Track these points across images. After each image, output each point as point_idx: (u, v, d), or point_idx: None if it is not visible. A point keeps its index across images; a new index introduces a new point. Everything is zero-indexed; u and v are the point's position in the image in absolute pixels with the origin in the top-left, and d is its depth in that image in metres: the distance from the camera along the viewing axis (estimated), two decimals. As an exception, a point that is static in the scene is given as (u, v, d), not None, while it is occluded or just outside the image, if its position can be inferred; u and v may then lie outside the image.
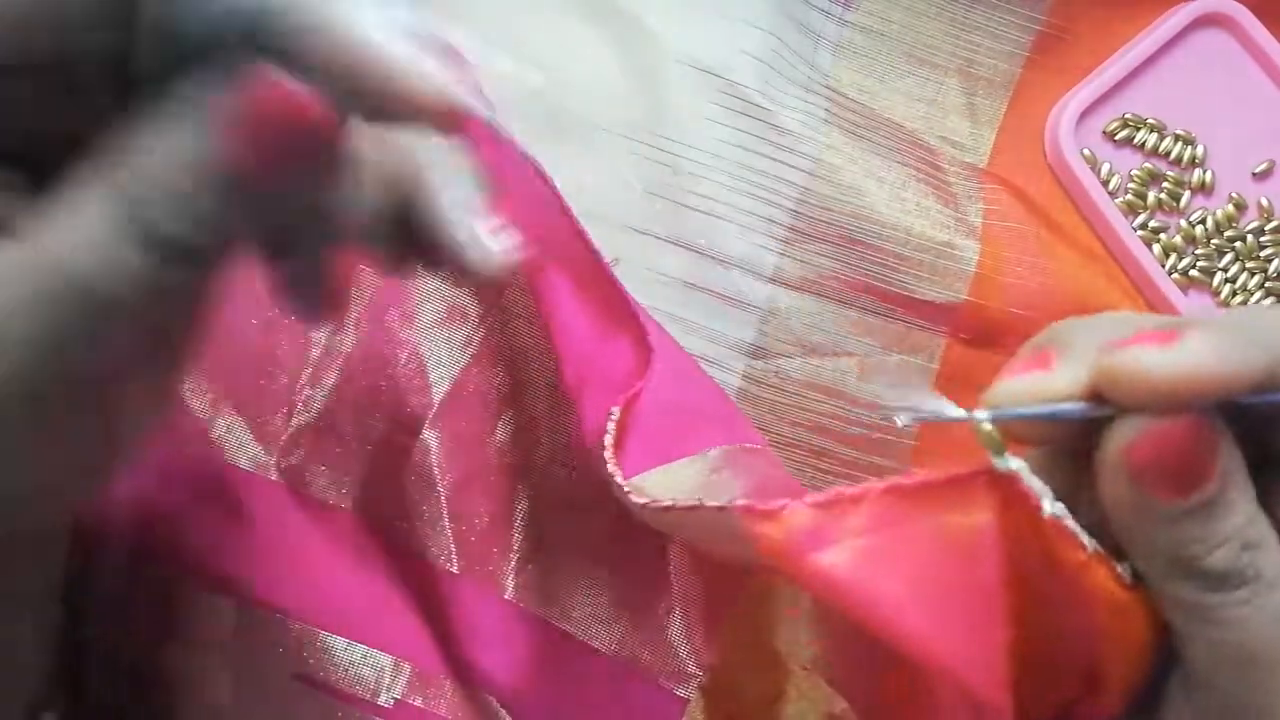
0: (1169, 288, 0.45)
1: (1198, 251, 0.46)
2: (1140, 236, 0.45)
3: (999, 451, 0.25)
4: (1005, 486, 0.25)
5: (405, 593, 0.40)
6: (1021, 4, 0.46)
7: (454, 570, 0.39)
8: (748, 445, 0.37)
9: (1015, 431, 0.27)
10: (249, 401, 0.40)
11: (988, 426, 0.26)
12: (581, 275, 0.36)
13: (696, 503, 0.27)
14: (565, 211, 0.36)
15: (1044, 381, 0.26)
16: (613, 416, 0.32)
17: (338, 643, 0.39)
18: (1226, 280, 0.46)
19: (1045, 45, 0.46)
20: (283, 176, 0.23)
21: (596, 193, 0.42)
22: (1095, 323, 0.27)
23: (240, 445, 0.39)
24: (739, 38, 0.43)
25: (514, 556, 0.40)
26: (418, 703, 0.39)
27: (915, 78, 0.46)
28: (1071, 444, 0.27)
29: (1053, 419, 0.26)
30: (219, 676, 0.38)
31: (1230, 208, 0.46)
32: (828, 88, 0.44)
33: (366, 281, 0.40)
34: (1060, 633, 0.28)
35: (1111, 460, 0.25)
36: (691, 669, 0.40)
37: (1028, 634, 0.27)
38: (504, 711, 0.39)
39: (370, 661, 0.39)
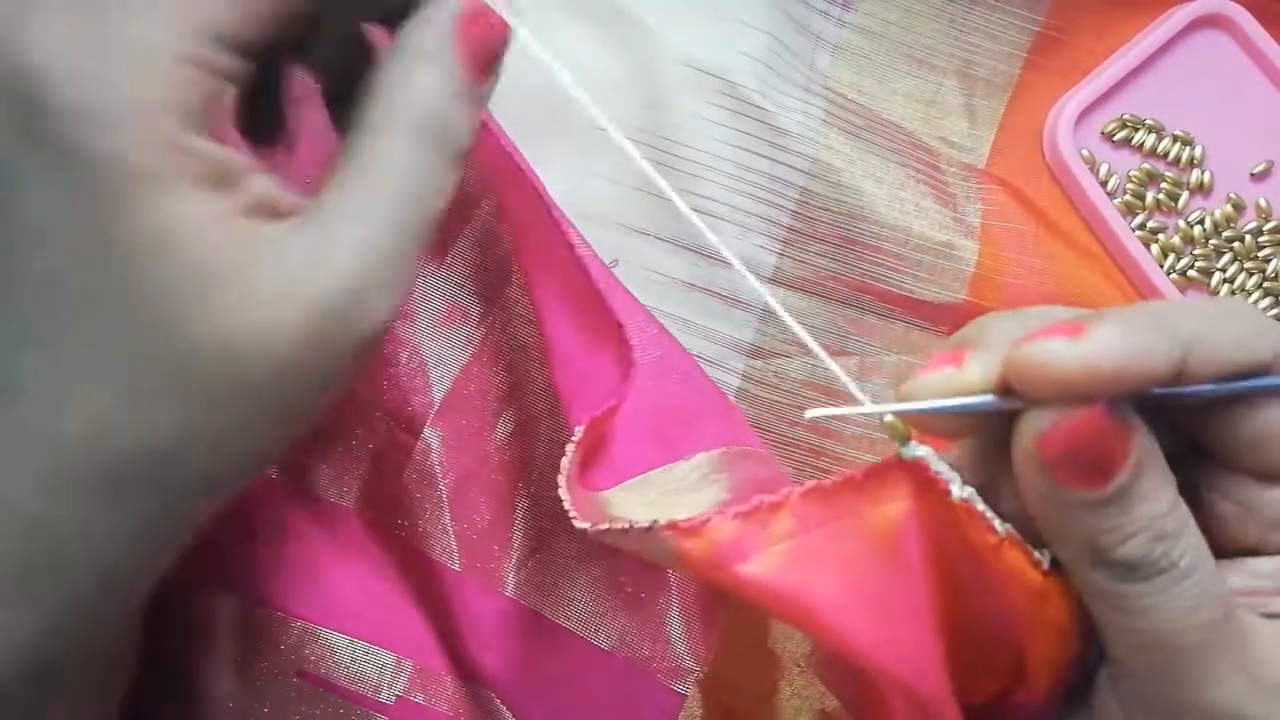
0: (1167, 288, 0.45)
1: (1196, 252, 0.46)
2: (1139, 237, 0.45)
3: (903, 441, 0.26)
4: (917, 474, 0.26)
5: (406, 590, 0.40)
6: (1020, 5, 0.46)
7: (455, 568, 0.40)
8: (745, 448, 0.37)
9: (930, 426, 0.27)
10: None
11: (889, 418, 0.26)
12: (569, 283, 0.37)
13: (627, 526, 0.28)
14: (553, 215, 0.36)
15: (955, 376, 0.26)
16: (574, 438, 0.32)
17: (339, 640, 0.39)
18: (1224, 280, 0.46)
19: (1044, 46, 0.46)
20: (494, 66, 0.29)
21: (597, 193, 0.42)
22: (1013, 316, 0.27)
23: None
24: (738, 39, 0.43)
25: (514, 554, 0.41)
26: (419, 699, 0.39)
27: (914, 79, 0.46)
28: (992, 437, 0.27)
29: (960, 412, 0.26)
30: (220, 673, 0.39)
31: (1228, 208, 0.46)
32: (827, 89, 0.45)
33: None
34: (984, 617, 0.28)
35: (1023, 451, 0.25)
36: (689, 665, 0.41)
37: (955, 620, 0.27)
38: (505, 708, 0.40)
39: (372, 659, 0.39)
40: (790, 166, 0.43)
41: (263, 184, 0.26)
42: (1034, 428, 0.25)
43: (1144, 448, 0.25)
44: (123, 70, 0.24)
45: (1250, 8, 0.46)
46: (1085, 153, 0.46)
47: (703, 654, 0.41)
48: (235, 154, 0.25)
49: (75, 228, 0.24)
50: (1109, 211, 0.45)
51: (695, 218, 0.30)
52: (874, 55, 0.46)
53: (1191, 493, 0.27)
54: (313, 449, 0.40)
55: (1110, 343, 0.24)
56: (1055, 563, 0.27)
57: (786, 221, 0.43)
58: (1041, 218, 0.45)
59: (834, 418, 0.28)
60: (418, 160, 0.27)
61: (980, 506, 0.26)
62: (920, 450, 0.26)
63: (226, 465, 0.26)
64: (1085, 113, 0.46)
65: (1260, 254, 0.46)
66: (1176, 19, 0.46)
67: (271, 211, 0.26)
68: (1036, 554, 0.27)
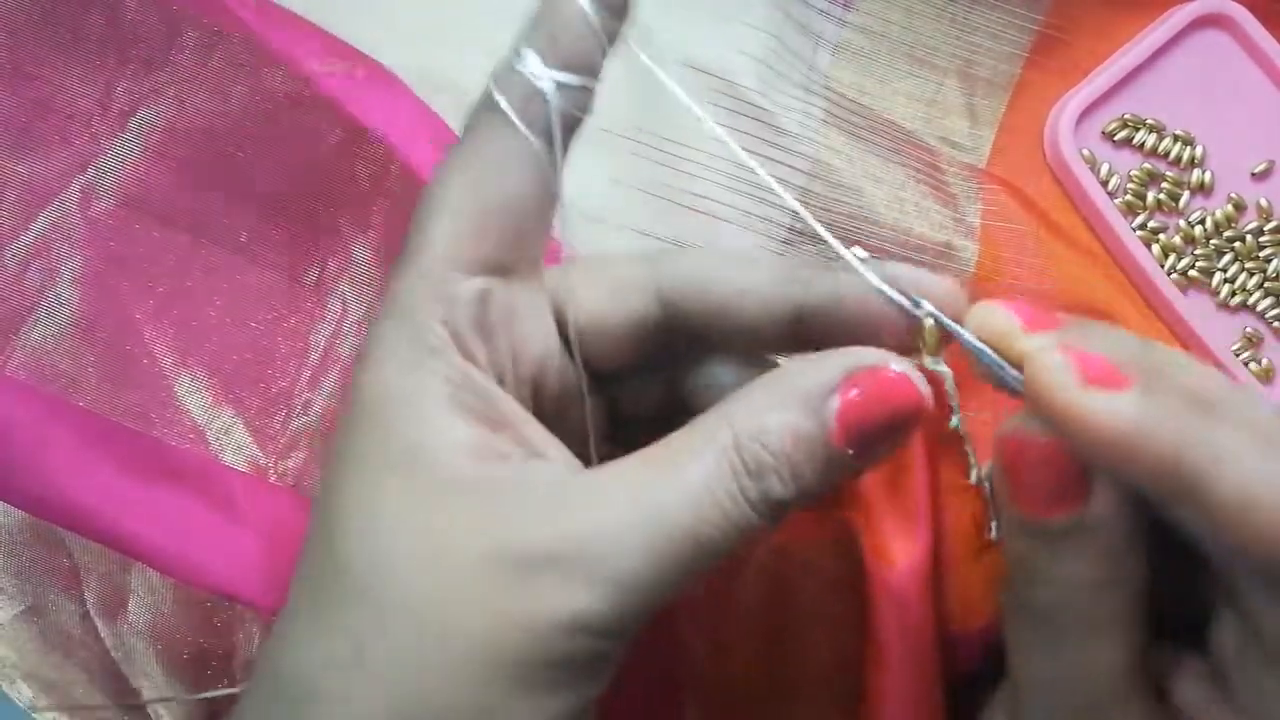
0: (1168, 288, 0.45)
1: (1197, 252, 0.46)
2: (1139, 236, 0.45)
3: (934, 353, 0.26)
4: (932, 386, 0.26)
5: None
6: (1021, 5, 0.46)
7: None
8: None
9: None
10: (248, 402, 0.40)
11: (930, 323, 0.26)
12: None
13: None
14: None
15: (1010, 332, 0.25)
16: None
17: None
18: (1225, 280, 0.46)
19: (1044, 46, 0.46)
20: (876, 453, 0.25)
21: (597, 193, 0.42)
22: (1121, 336, 0.25)
23: (239, 447, 0.39)
24: (738, 39, 0.43)
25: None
26: None
27: (914, 78, 0.46)
28: None
29: (979, 362, 0.26)
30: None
31: (1229, 208, 0.46)
32: (827, 88, 0.44)
33: (365, 285, 0.41)
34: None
35: (996, 445, 0.25)
36: (688, 672, 0.41)
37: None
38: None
39: None
40: (790, 167, 0.43)
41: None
42: (1006, 427, 0.25)
43: (1100, 515, 0.24)
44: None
45: (1251, 7, 0.46)
46: (1086, 152, 0.45)
47: (708, 646, 0.41)
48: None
49: None
50: (1110, 211, 0.45)
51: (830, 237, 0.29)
52: (874, 55, 0.45)
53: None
54: (311, 452, 0.40)
55: (1123, 411, 0.22)
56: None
57: (786, 222, 0.43)
58: (1042, 218, 0.45)
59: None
60: (725, 501, 0.24)
61: (966, 447, 0.27)
62: (943, 368, 0.26)
63: None
64: (1086, 112, 0.45)
65: (1261, 254, 0.46)
66: (1177, 19, 0.46)
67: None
68: (992, 525, 0.27)
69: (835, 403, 0.25)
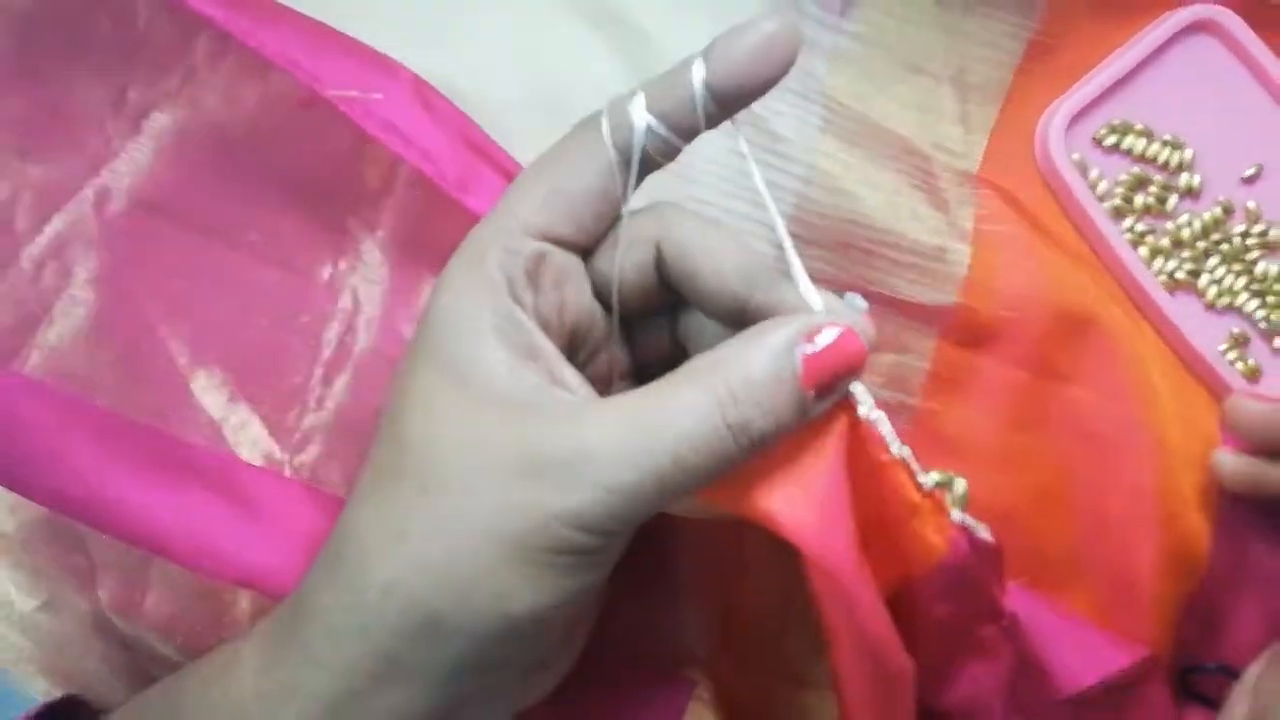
0: (1156, 290, 0.46)
1: (1184, 255, 0.47)
2: (1128, 239, 0.46)
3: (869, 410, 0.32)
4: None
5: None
6: (1013, 13, 0.47)
7: None
8: None
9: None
10: (262, 399, 0.40)
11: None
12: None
13: None
14: None
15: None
16: None
17: None
18: (1212, 282, 0.47)
19: (1037, 53, 0.47)
20: (828, 395, 0.31)
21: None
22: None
23: (254, 442, 0.40)
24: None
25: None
26: None
27: (909, 85, 0.46)
28: None
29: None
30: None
31: (1218, 211, 0.47)
32: (823, 95, 0.45)
33: (376, 283, 0.41)
34: (880, 523, 0.33)
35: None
36: (699, 652, 0.41)
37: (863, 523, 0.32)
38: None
39: None
40: (787, 172, 0.44)
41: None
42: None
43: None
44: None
45: (1240, 13, 0.46)
46: (1076, 157, 0.46)
47: (712, 641, 0.41)
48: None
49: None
50: (1099, 215, 0.46)
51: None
52: (870, 62, 0.46)
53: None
54: (326, 447, 0.41)
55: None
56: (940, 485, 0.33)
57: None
58: (1033, 222, 0.46)
59: None
60: (704, 427, 0.29)
61: (883, 430, 0.32)
62: (876, 413, 0.32)
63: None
64: (1077, 118, 0.46)
65: (1248, 256, 0.47)
66: (1167, 25, 0.46)
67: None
68: (921, 477, 0.33)
69: (800, 352, 0.30)
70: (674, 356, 0.36)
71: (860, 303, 0.33)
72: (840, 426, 0.32)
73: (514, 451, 0.29)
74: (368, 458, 0.32)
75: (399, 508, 0.30)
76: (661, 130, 0.32)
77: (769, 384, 0.30)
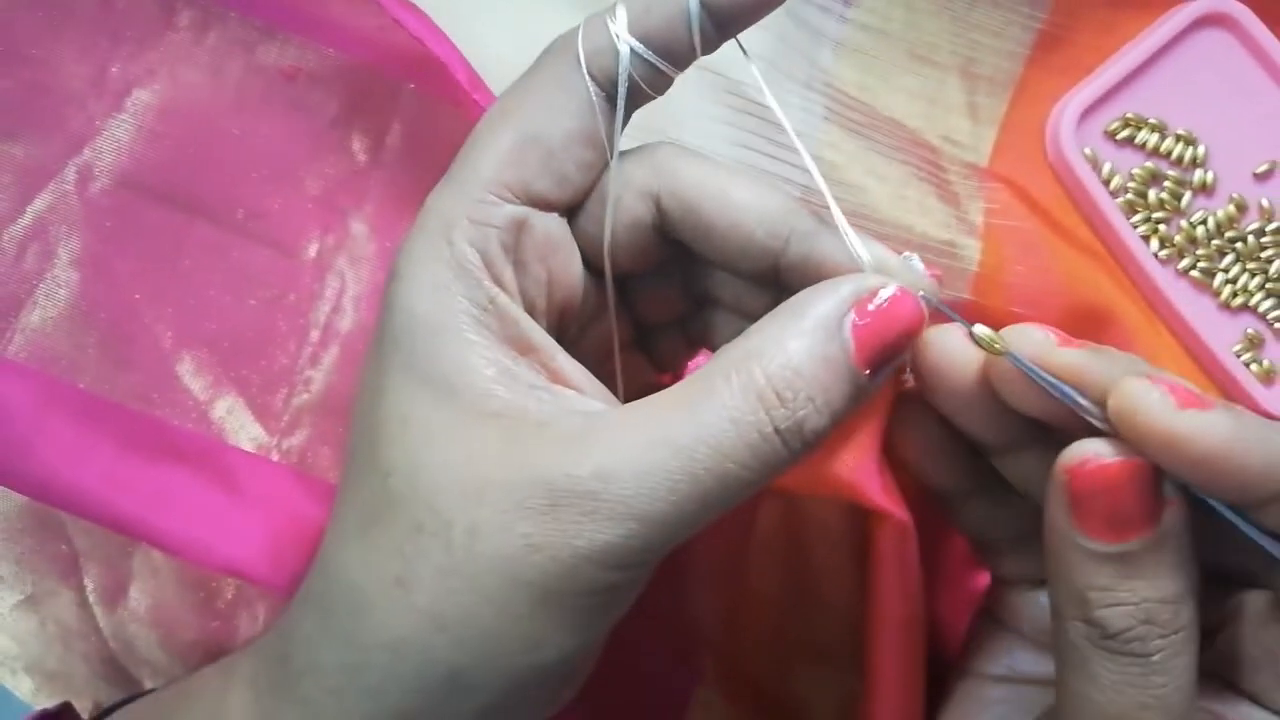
0: (1170, 288, 0.45)
1: (1199, 252, 0.46)
2: (1140, 235, 0.45)
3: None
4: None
5: None
6: (1023, 3, 0.46)
7: None
8: None
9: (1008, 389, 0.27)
10: (249, 381, 0.40)
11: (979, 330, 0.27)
12: None
13: None
14: None
15: (1049, 347, 0.26)
16: None
17: None
18: (1227, 281, 0.46)
19: (1047, 44, 0.46)
20: (884, 372, 0.27)
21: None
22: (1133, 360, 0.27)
23: (242, 426, 0.39)
24: (740, 35, 0.43)
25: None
26: None
27: (916, 76, 0.46)
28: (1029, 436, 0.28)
29: (1031, 379, 0.26)
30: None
31: (1231, 208, 0.46)
32: (828, 86, 0.44)
33: (363, 260, 0.41)
34: None
35: (1058, 477, 0.25)
36: (709, 631, 0.40)
37: None
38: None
39: None
40: (792, 164, 0.43)
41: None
42: (1075, 455, 0.25)
43: (1172, 528, 0.25)
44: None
45: (1253, 7, 0.46)
46: (1088, 152, 0.45)
47: (720, 628, 0.40)
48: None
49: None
50: (1111, 211, 0.45)
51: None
52: (876, 52, 0.45)
53: (1218, 618, 0.27)
54: (314, 430, 0.40)
55: (1225, 430, 0.23)
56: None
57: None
58: (1044, 216, 0.45)
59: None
60: (751, 437, 0.25)
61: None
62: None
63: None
64: (1088, 112, 0.45)
65: (1263, 255, 0.46)
66: (1179, 18, 0.45)
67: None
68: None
69: (849, 324, 0.26)
70: (687, 314, 0.33)
71: (918, 264, 0.29)
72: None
73: (523, 479, 0.25)
74: (344, 490, 0.28)
75: (393, 552, 0.26)
76: (649, 55, 0.27)
77: (818, 372, 0.25)
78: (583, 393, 0.27)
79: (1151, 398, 0.24)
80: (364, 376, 0.28)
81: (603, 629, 0.26)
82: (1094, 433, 0.25)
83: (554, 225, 0.28)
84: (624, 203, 0.29)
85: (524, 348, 0.27)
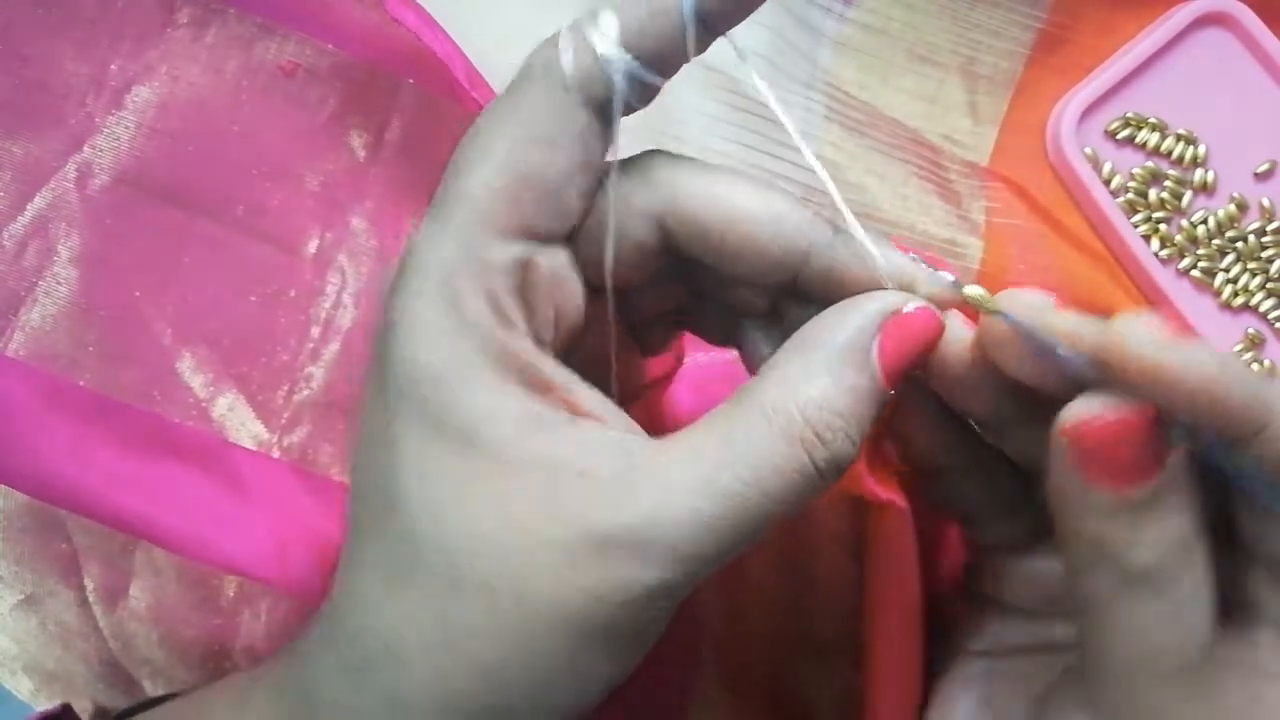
0: (1170, 288, 0.45)
1: (1199, 252, 0.46)
2: (1141, 235, 0.45)
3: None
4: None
5: None
6: (1022, 2, 0.46)
7: None
8: None
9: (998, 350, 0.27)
10: (250, 378, 0.40)
11: (974, 291, 0.27)
12: None
13: None
14: None
15: (1044, 308, 0.26)
16: None
17: None
18: (1228, 281, 0.46)
19: (1047, 44, 0.46)
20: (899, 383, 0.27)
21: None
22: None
23: (242, 424, 0.39)
24: (740, 34, 0.43)
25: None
26: None
27: (916, 75, 0.46)
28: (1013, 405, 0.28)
29: (1028, 341, 0.26)
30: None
31: (1232, 208, 0.46)
32: (828, 85, 0.44)
33: (363, 256, 0.41)
34: None
35: (1060, 435, 0.25)
36: (708, 626, 0.40)
37: None
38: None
39: None
40: (792, 163, 0.43)
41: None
42: (1080, 412, 0.25)
43: (1179, 467, 0.25)
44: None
45: (1254, 6, 0.46)
46: (1089, 151, 0.45)
47: (721, 622, 0.40)
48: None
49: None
50: (1112, 210, 0.45)
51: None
52: (876, 52, 0.45)
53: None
54: (315, 427, 0.40)
55: (1211, 364, 0.23)
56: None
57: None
58: (1045, 215, 0.45)
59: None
60: (795, 479, 0.25)
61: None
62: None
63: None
64: (1088, 111, 0.45)
65: (1264, 254, 0.46)
66: (1180, 17, 0.45)
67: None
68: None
69: (876, 349, 0.26)
70: (685, 308, 0.32)
71: (947, 277, 0.28)
72: None
73: (574, 535, 0.24)
74: (357, 541, 0.27)
75: (432, 612, 0.25)
76: (645, 75, 0.26)
77: (853, 406, 0.25)
78: (605, 423, 0.27)
79: (1145, 332, 0.24)
80: (366, 426, 0.27)
81: (644, 653, 0.26)
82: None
83: (558, 260, 0.27)
84: (625, 228, 0.28)
85: (543, 387, 0.26)
